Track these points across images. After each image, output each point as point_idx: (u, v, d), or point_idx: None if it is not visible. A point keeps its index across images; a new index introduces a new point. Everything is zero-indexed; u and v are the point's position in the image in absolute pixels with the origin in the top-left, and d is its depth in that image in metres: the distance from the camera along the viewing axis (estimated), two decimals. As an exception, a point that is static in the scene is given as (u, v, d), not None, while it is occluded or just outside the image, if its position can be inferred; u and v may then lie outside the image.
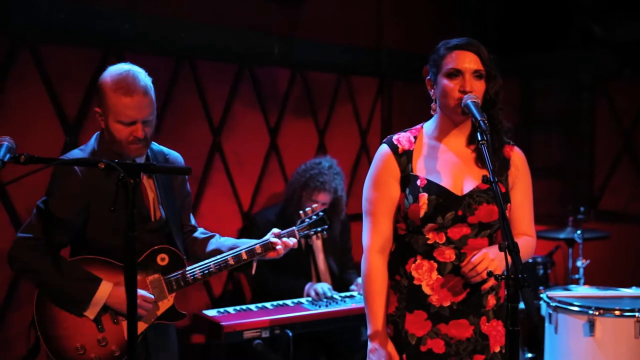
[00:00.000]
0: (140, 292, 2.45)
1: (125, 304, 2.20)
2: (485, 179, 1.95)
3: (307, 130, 4.84)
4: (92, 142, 2.55)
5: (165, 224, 2.60)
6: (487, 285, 2.22)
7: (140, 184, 1.97)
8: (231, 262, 2.63)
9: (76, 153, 2.52)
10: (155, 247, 2.55)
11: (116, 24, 3.78)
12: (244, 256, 2.64)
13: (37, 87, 3.57)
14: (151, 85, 2.49)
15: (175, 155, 2.72)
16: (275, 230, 2.72)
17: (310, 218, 2.82)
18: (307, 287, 3.77)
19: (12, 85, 3.49)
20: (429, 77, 2.29)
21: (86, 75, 3.75)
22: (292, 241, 2.69)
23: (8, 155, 1.98)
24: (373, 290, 2.27)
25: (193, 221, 2.83)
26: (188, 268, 2.60)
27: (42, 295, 2.46)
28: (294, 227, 2.78)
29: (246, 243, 2.70)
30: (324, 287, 3.73)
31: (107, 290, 2.44)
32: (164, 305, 2.56)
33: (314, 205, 2.87)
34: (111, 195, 2.11)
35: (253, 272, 2.70)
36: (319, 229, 2.82)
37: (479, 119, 2.04)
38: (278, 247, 2.65)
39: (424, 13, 5.39)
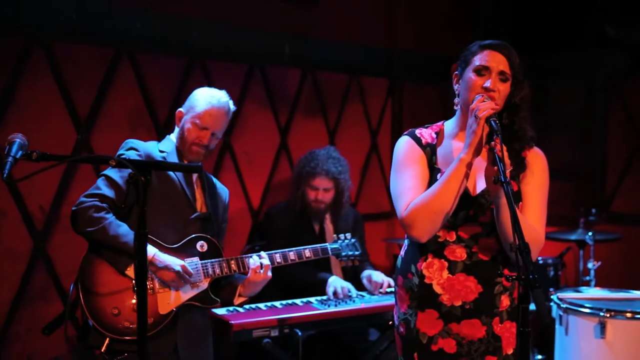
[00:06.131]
0: (183, 262, 2.63)
1: (167, 272, 2.57)
2: (496, 180, 1.94)
3: (318, 130, 4.84)
4: (170, 139, 2.80)
5: (208, 218, 2.80)
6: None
7: (150, 182, 2.01)
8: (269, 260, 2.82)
9: (152, 145, 2.76)
10: (197, 234, 2.74)
11: (128, 23, 3.80)
12: (293, 256, 2.94)
13: (50, 85, 3.60)
14: (231, 113, 2.83)
15: (222, 187, 2.99)
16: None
17: (342, 240, 3.17)
18: (330, 280, 3.74)
19: (25, 83, 3.52)
20: (456, 72, 2.29)
21: (98, 74, 3.77)
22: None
23: (20, 152, 1.99)
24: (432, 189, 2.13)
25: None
26: (224, 258, 2.77)
27: (91, 253, 2.59)
28: (327, 244, 3.09)
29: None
30: (346, 286, 3.72)
31: (151, 252, 2.57)
32: (199, 287, 2.70)
33: (348, 234, 3.20)
34: (156, 185, 2.55)
35: (235, 302, 2.85)
36: (350, 253, 3.17)
37: (490, 119, 2.05)
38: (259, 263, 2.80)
39: (436, 14, 5.37)
